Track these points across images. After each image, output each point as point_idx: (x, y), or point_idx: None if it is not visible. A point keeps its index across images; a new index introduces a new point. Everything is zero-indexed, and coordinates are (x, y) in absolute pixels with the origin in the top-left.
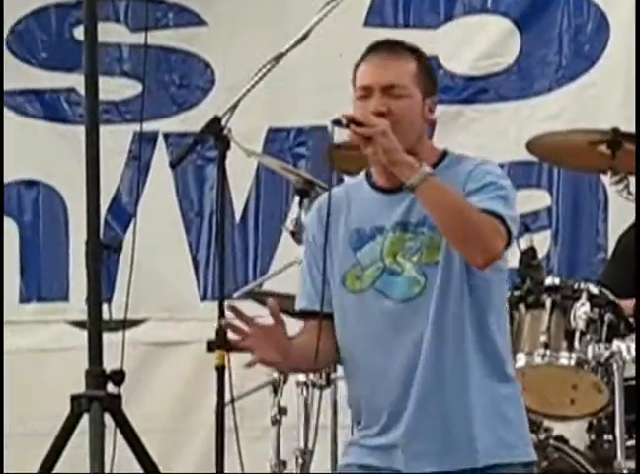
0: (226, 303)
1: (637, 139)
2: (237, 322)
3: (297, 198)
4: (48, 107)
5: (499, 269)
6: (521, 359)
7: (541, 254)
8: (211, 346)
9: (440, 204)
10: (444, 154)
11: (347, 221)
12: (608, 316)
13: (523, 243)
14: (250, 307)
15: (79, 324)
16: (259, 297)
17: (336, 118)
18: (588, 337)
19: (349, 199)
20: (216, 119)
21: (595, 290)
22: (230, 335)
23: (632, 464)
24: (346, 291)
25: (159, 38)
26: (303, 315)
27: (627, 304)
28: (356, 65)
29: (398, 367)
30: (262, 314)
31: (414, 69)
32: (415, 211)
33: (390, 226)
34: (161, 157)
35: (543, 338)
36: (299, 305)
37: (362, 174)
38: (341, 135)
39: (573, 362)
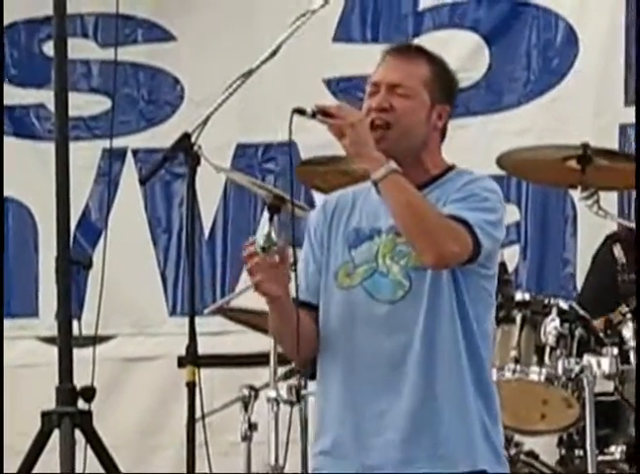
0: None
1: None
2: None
3: (267, 214)
4: (18, 123)
5: (488, 276)
6: (492, 375)
7: (510, 268)
8: (182, 362)
9: (398, 199)
10: (450, 168)
11: (349, 220)
12: (579, 331)
13: None
14: (220, 323)
15: (49, 340)
16: (229, 313)
17: (299, 107)
18: (558, 352)
19: (354, 200)
20: (186, 136)
21: (565, 305)
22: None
23: None
24: (335, 286)
25: (128, 53)
26: (300, 305)
27: (598, 324)
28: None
29: (383, 370)
30: (232, 330)
31: (425, 74)
32: None
33: (385, 229)
34: (130, 173)
35: (513, 353)
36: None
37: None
38: (309, 152)
39: (543, 378)
